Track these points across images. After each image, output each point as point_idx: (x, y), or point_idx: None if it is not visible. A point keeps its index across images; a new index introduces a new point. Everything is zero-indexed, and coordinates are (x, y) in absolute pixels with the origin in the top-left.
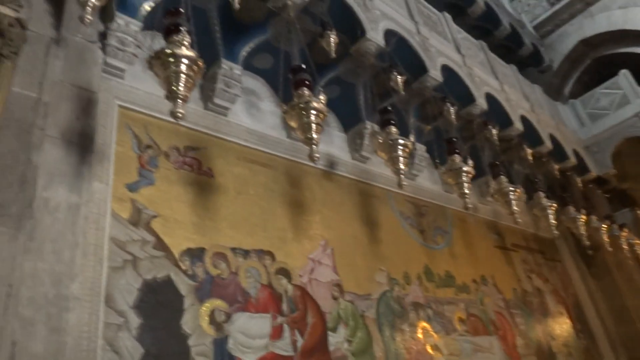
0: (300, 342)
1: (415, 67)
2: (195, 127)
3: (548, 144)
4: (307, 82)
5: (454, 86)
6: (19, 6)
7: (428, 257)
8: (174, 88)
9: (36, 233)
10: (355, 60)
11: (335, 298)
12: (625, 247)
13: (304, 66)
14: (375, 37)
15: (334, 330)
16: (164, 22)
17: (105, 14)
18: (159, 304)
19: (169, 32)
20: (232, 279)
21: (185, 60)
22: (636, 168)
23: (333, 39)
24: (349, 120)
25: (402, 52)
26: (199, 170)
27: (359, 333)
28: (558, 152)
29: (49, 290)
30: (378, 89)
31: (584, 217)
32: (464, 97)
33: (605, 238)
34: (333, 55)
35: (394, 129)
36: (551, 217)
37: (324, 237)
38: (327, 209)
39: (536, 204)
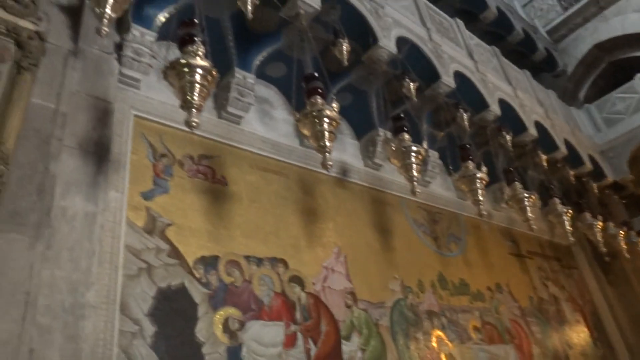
0: (313, 350)
1: (427, 73)
2: (209, 136)
3: (563, 150)
4: (319, 91)
5: (467, 92)
6: (38, 19)
7: (442, 264)
8: (189, 97)
9: (54, 241)
10: (367, 68)
11: (348, 306)
12: None
13: (316, 74)
14: (388, 44)
15: (348, 338)
16: (178, 33)
17: (121, 26)
18: (173, 312)
19: (184, 42)
20: (246, 287)
21: (199, 70)
22: None
23: (345, 47)
24: (361, 127)
25: (414, 59)
26: (213, 179)
27: (373, 341)
28: (573, 157)
29: (65, 298)
30: (390, 96)
31: (600, 223)
32: (477, 103)
33: (623, 245)
34: (345, 63)
35: (406, 136)
36: (567, 223)
37: (337, 245)
38: (340, 217)
39: (551, 210)
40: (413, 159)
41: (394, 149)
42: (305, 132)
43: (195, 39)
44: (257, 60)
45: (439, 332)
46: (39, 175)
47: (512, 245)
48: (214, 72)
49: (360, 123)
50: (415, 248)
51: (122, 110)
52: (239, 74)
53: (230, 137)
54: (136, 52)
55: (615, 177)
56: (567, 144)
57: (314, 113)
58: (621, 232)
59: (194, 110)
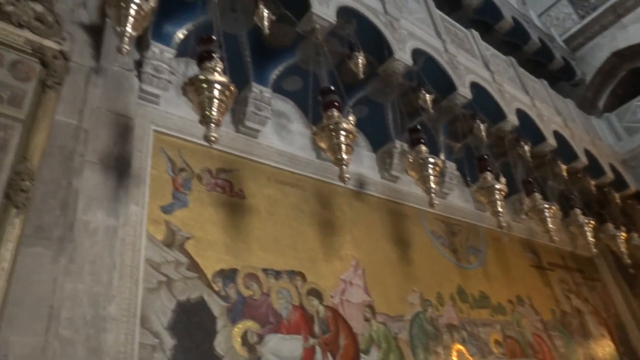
0: None
1: (444, 85)
2: (227, 150)
3: (583, 159)
4: (336, 104)
5: (484, 103)
6: (62, 39)
7: (461, 277)
8: (208, 113)
9: (76, 255)
10: (383, 80)
11: (367, 319)
12: None
13: (332, 88)
14: (403, 56)
15: (367, 352)
16: (197, 50)
17: (141, 43)
18: (192, 325)
19: (202, 59)
20: (264, 300)
21: (218, 86)
22: None
23: (361, 60)
24: (378, 139)
25: (430, 71)
26: (231, 192)
27: (392, 356)
28: (594, 167)
29: (87, 311)
30: (406, 108)
31: (624, 234)
32: (495, 113)
33: None
34: (361, 76)
35: (423, 148)
36: (589, 234)
37: (354, 258)
38: (357, 229)
39: (573, 221)
40: (430, 171)
41: (411, 160)
42: (323, 145)
43: (214, 55)
44: (274, 74)
45: (460, 346)
46: (62, 190)
47: (532, 257)
48: (232, 88)
49: (376, 135)
50: (434, 260)
51: (142, 125)
52: (256, 88)
53: (247, 151)
54: (156, 68)
55: (638, 187)
56: (588, 153)
57: (331, 126)
58: None
59: (212, 125)
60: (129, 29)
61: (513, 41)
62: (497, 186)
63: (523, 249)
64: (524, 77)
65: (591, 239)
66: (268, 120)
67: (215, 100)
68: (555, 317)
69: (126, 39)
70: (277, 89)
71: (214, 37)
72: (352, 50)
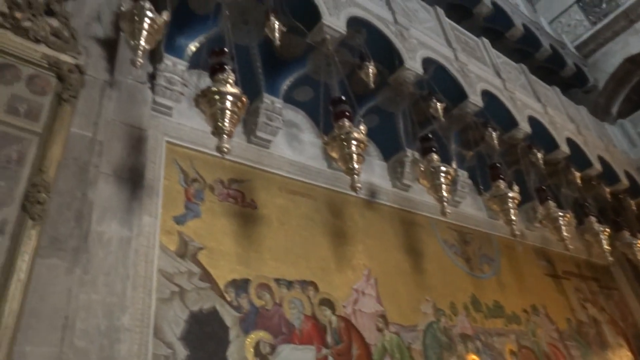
0: None
1: (455, 93)
2: (239, 160)
3: (597, 166)
4: (347, 114)
5: (496, 111)
6: (77, 53)
7: (475, 286)
8: (220, 124)
9: (90, 266)
10: (393, 89)
11: (380, 329)
12: None
13: (343, 97)
14: (414, 65)
15: None
16: (209, 62)
17: (154, 56)
18: (205, 336)
19: (215, 71)
20: (276, 310)
21: (230, 97)
22: None
23: (371, 69)
24: (389, 148)
25: (440, 80)
26: (243, 202)
27: None
28: (608, 174)
29: (101, 322)
30: (418, 116)
31: None
32: (506, 121)
33: None
34: (372, 85)
35: (435, 156)
36: (604, 242)
37: (367, 267)
38: (369, 239)
39: (588, 229)
40: (442, 179)
41: (422, 169)
42: (334, 154)
43: (226, 67)
44: (285, 85)
45: (474, 357)
46: (77, 202)
47: (547, 265)
48: (244, 99)
49: (387, 144)
50: (447, 270)
51: (155, 137)
52: (267, 99)
53: (259, 161)
54: (168, 80)
55: None
56: (602, 160)
57: (342, 136)
58: None
59: (225, 136)
60: (142, 42)
61: (524, 48)
62: (510, 194)
63: (537, 257)
64: (535, 84)
65: (607, 247)
66: (279, 131)
67: (228, 112)
68: (572, 327)
69: (140, 52)
70: (288, 99)
71: (225, 49)
72: (363, 60)
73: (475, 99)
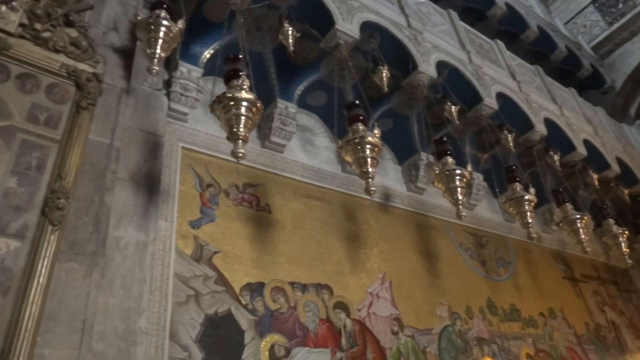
0: None
1: (469, 96)
2: (253, 165)
3: (615, 168)
4: (361, 118)
5: (511, 113)
6: (95, 62)
7: (491, 289)
8: (235, 129)
9: (108, 270)
10: (407, 93)
11: (394, 333)
12: None
13: (357, 102)
14: (427, 69)
15: None
16: (224, 68)
17: (169, 64)
18: (220, 339)
19: (229, 77)
20: (291, 314)
21: (245, 103)
22: None
23: (385, 73)
24: (403, 152)
25: (455, 82)
26: (257, 207)
27: None
28: (627, 175)
29: (118, 325)
30: (432, 119)
31: None
32: (522, 123)
33: None
34: (385, 89)
35: (450, 160)
36: (623, 245)
37: (381, 270)
38: (384, 242)
39: (606, 231)
40: (458, 182)
41: (437, 172)
42: (348, 158)
43: (240, 73)
44: (299, 90)
45: None
46: (95, 207)
47: (564, 268)
48: (259, 104)
49: (401, 148)
50: (462, 273)
51: (171, 142)
52: (281, 104)
53: (273, 166)
54: (184, 87)
55: None
56: (620, 161)
57: (356, 140)
58: None
59: (240, 141)
60: (158, 50)
61: (539, 50)
62: (527, 197)
63: (554, 260)
64: (551, 86)
65: (626, 250)
66: (293, 135)
67: (243, 117)
68: (590, 331)
69: (156, 60)
70: (302, 104)
71: (240, 56)
72: (376, 64)
73: (490, 102)
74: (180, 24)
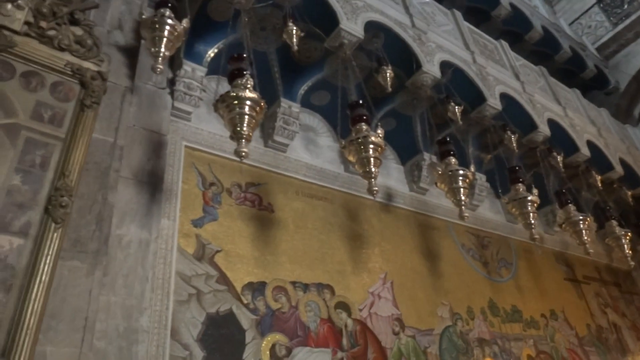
0: None
1: (473, 96)
2: (256, 164)
3: (619, 169)
4: (364, 117)
5: (514, 114)
6: (100, 61)
7: (492, 290)
8: (239, 128)
9: (110, 268)
10: (411, 93)
11: (396, 333)
12: None
13: (360, 101)
14: (431, 69)
15: None
16: (228, 67)
17: (173, 63)
18: (222, 338)
19: (233, 76)
20: (292, 313)
21: (248, 102)
22: None
23: (389, 73)
24: (406, 152)
25: (459, 83)
26: (260, 206)
27: None
28: (630, 177)
29: (120, 323)
30: (435, 119)
31: None
32: (525, 124)
33: None
34: (389, 89)
35: (453, 160)
36: (626, 246)
37: (383, 270)
38: (386, 242)
39: (608, 233)
40: (460, 183)
41: (440, 173)
42: (351, 158)
43: (245, 72)
44: (302, 89)
45: None
46: (98, 205)
47: (566, 270)
48: (263, 104)
49: (404, 148)
50: (464, 273)
51: (174, 141)
52: (284, 103)
53: (276, 165)
54: (188, 86)
55: None
56: (623, 163)
57: (359, 139)
58: None
59: (243, 140)
60: (162, 49)
61: (544, 51)
62: (530, 198)
63: (556, 261)
64: (555, 86)
65: (628, 251)
66: (296, 135)
67: (246, 117)
68: (591, 332)
69: (160, 59)
70: (306, 103)
71: (244, 55)
72: (380, 64)
73: (494, 102)
74: (185, 22)
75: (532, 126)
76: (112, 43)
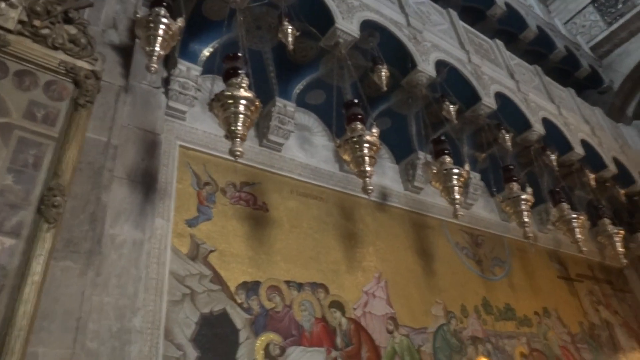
0: None
1: (468, 95)
2: (251, 164)
3: (612, 168)
4: (359, 116)
5: (509, 113)
6: (94, 60)
7: (486, 288)
8: (233, 128)
9: (103, 268)
10: (406, 92)
11: (390, 332)
12: None
13: (356, 101)
14: (427, 68)
15: None
16: (223, 66)
17: (168, 62)
18: (215, 338)
19: (228, 75)
20: (287, 313)
21: (243, 101)
22: None
23: (384, 72)
24: (400, 151)
25: (454, 82)
26: (254, 205)
27: None
28: (623, 175)
29: (113, 324)
30: (430, 118)
31: None
32: (520, 123)
33: None
34: (384, 88)
35: (448, 159)
36: (618, 244)
37: (377, 269)
38: (380, 241)
39: (601, 231)
40: (455, 182)
41: (435, 171)
42: (346, 157)
43: (240, 71)
44: (297, 88)
45: (485, 359)
46: (91, 205)
47: (559, 268)
48: (258, 103)
49: (399, 147)
50: (458, 272)
51: (168, 141)
52: (279, 102)
53: (271, 164)
54: (182, 85)
55: None
56: (616, 161)
57: (354, 139)
58: None
59: (238, 139)
60: (157, 48)
61: (538, 50)
62: (524, 196)
63: (549, 260)
64: (549, 85)
65: (621, 249)
66: (291, 134)
67: (241, 116)
68: (584, 330)
69: (154, 58)
70: (301, 102)
71: (239, 54)
72: (375, 63)
73: (489, 101)
74: (180, 22)
75: (527, 125)
76: (106, 42)
